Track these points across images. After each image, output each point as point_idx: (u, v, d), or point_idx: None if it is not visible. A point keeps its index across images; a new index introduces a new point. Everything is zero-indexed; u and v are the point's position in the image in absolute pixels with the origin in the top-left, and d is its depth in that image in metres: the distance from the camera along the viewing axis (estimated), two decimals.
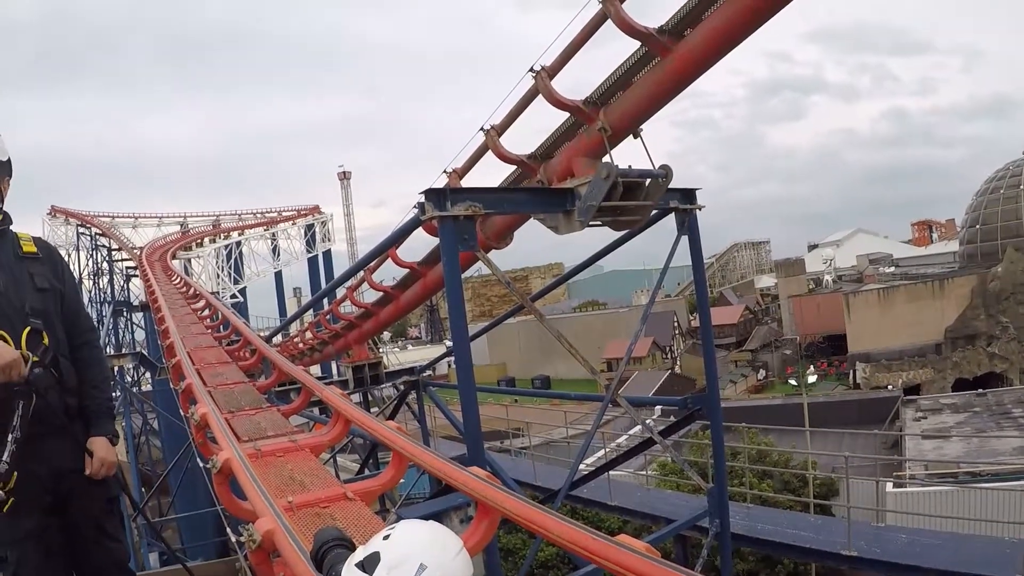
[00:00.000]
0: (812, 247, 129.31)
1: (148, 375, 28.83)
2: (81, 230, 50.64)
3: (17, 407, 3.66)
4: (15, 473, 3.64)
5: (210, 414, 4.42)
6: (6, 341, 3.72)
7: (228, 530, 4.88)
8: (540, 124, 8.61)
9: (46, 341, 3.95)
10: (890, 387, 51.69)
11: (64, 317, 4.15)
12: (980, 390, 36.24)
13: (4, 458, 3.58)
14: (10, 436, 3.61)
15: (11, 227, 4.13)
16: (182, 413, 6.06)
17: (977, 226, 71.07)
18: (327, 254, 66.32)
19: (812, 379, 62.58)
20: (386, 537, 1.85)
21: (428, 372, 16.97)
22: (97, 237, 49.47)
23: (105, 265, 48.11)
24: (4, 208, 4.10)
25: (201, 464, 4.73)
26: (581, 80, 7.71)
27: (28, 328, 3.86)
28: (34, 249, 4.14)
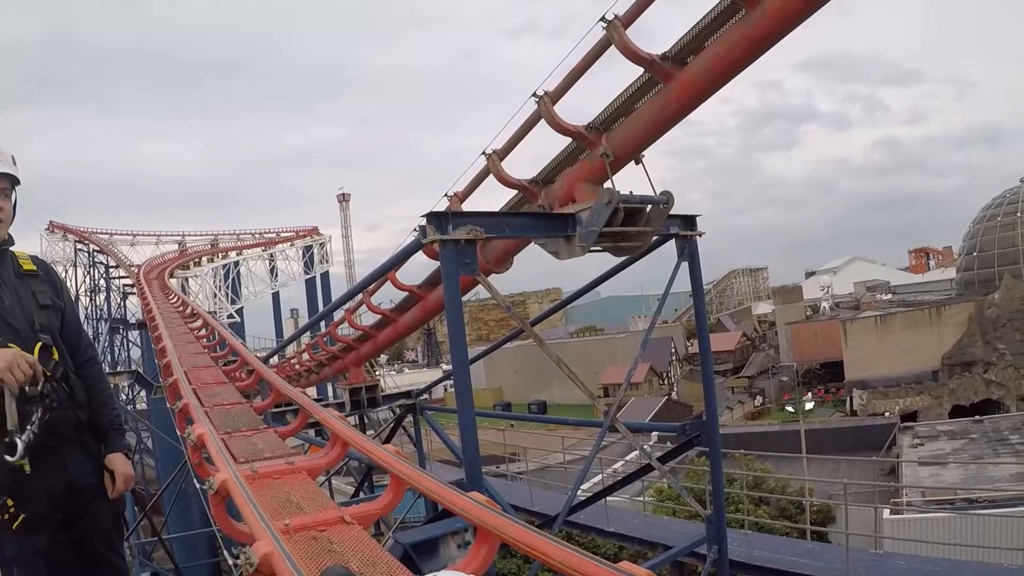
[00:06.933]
0: (809, 274, 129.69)
1: (143, 393, 28.73)
2: (79, 246, 50.88)
3: (36, 411, 3.62)
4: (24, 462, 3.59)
5: (207, 434, 4.36)
6: None
7: (224, 552, 4.84)
8: (539, 150, 8.62)
9: (56, 356, 3.96)
10: (887, 414, 51.71)
11: (65, 334, 4.15)
12: (977, 417, 36.50)
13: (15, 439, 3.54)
14: (28, 428, 3.56)
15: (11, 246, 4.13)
16: (178, 432, 6.01)
17: (974, 253, 71.70)
18: (325, 276, 66.51)
19: (809, 406, 62.52)
20: None
21: (425, 396, 16.91)
22: (95, 254, 49.64)
23: (102, 282, 48.31)
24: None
25: (197, 484, 4.67)
26: (575, 107, 7.72)
27: (39, 343, 3.86)
28: (33, 267, 4.16)
